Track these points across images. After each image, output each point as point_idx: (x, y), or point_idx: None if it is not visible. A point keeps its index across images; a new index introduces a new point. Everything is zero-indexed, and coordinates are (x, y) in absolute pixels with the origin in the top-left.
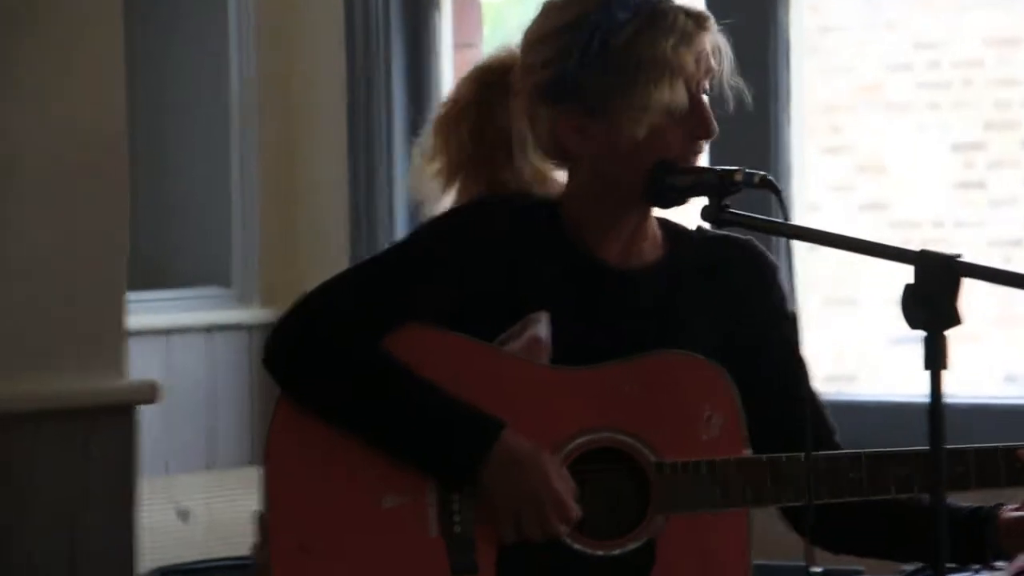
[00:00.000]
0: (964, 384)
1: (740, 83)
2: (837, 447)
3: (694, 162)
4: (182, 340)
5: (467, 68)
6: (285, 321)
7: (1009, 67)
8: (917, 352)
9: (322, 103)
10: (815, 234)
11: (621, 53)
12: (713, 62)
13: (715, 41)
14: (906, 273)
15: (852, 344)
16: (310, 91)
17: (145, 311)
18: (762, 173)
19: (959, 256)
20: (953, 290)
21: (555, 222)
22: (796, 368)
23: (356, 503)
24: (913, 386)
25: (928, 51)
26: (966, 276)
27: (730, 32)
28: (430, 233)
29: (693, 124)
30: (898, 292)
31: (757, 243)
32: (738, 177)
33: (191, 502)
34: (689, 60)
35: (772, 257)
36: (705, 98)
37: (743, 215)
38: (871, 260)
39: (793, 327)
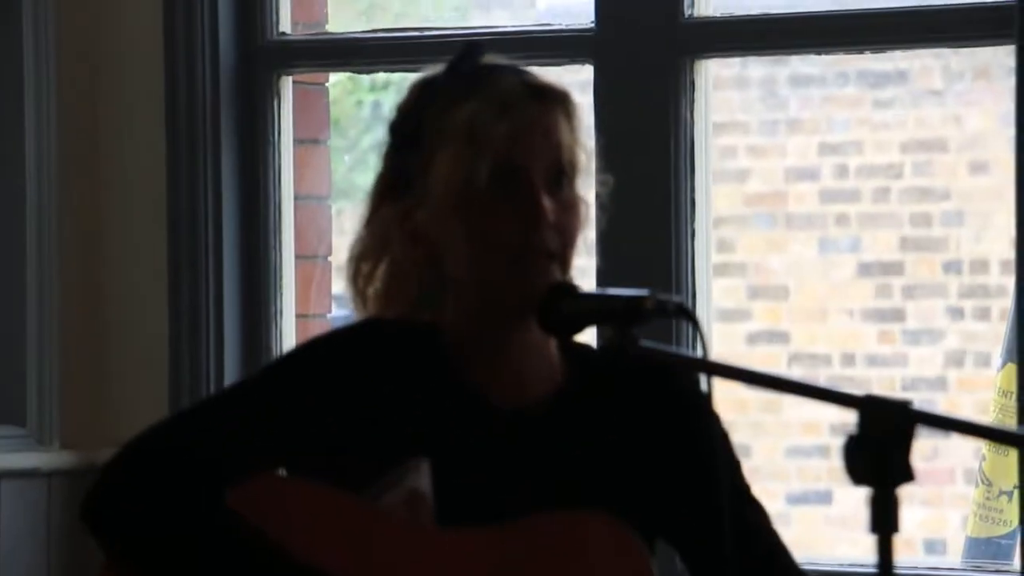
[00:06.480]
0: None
1: (608, 180)
2: None
3: (542, 257)
4: None
5: (309, 167)
6: (112, 466)
7: (930, 177)
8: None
9: (135, 215)
10: (744, 373)
11: (428, 125)
12: (557, 141)
13: (557, 119)
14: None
15: None
16: (119, 202)
17: None
18: (677, 300)
19: (911, 403)
20: (906, 442)
21: (436, 351)
22: (748, 507)
23: None
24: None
25: (836, 156)
26: (922, 425)
27: (624, 128)
28: (297, 363)
29: (521, 209)
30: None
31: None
32: (648, 305)
33: None
34: (499, 133)
35: (697, 384)
36: (539, 183)
37: (656, 350)
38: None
39: (735, 465)
